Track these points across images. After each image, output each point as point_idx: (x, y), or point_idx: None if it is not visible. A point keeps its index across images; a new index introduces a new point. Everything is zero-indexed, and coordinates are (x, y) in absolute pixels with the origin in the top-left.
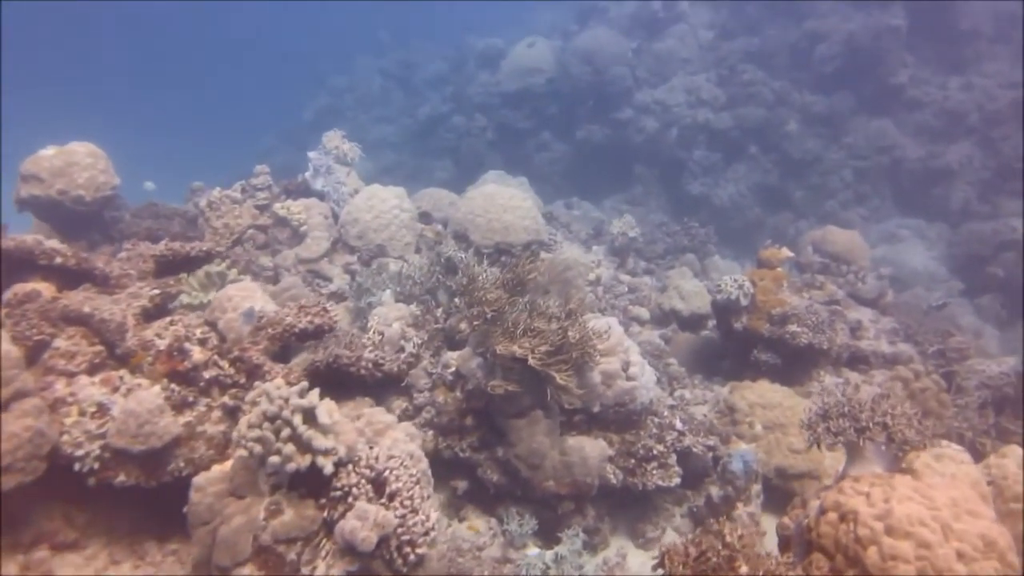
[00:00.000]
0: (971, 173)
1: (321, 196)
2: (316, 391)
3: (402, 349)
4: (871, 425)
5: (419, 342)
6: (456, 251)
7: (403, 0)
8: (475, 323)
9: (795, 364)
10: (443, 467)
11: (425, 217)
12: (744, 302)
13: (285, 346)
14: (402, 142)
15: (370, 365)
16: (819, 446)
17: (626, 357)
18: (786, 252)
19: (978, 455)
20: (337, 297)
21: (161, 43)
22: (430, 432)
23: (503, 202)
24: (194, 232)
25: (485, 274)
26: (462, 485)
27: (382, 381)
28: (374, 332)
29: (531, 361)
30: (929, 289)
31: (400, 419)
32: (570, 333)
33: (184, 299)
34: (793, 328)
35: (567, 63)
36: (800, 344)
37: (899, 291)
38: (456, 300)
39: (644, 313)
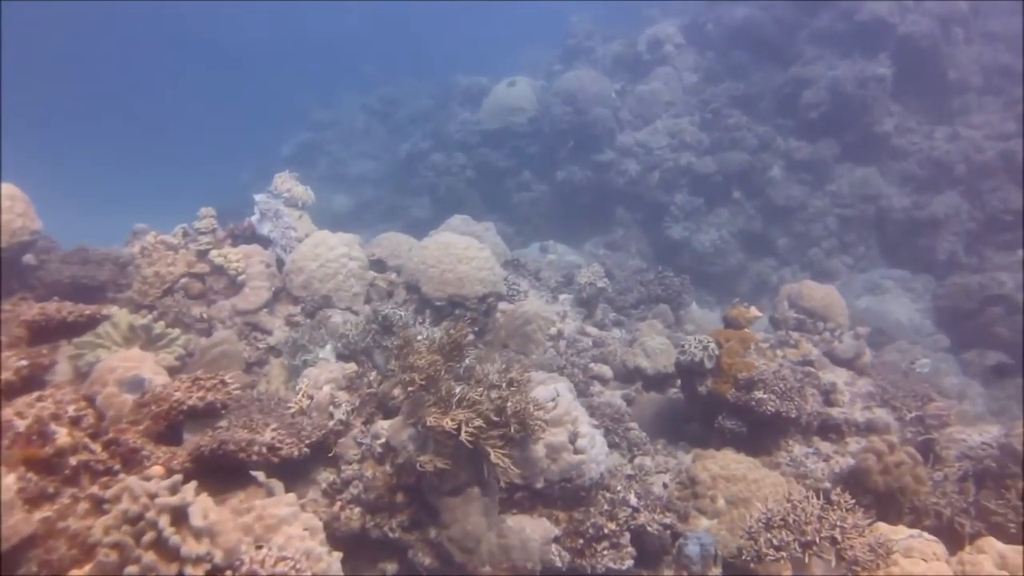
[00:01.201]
0: (957, 224)
1: (267, 242)
2: (192, 485)
3: (331, 416)
4: (818, 539)
5: (350, 408)
6: (394, 308)
7: (392, 34)
8: (408, 390)
9: (762, 432)
10: (372, 548)
11: (379, 265)
12: (709, 364)
13: (173, 426)
14: (382, 178)
15: (265, 450)
16: (760, 560)
17: (574, 428)
18: (754, 312)
19: (956, 537)
20: (275, 352)
21: (143, 76)
22: (357, 509)
23: (458, 252)
24: (125, 280)
25: (421, 336)
26: (391, 568)
27: (304, 454)
28: (303, 395)
29: (463, 436)
30: (914, 343)
31: (327, 493)
32: (509, 404)
33: (101, 355)
34: (759, 395)
35: (549, 103)
36: (767, 412)
37: (883, 344)
38: (392, 363)
39: (607, 371)
